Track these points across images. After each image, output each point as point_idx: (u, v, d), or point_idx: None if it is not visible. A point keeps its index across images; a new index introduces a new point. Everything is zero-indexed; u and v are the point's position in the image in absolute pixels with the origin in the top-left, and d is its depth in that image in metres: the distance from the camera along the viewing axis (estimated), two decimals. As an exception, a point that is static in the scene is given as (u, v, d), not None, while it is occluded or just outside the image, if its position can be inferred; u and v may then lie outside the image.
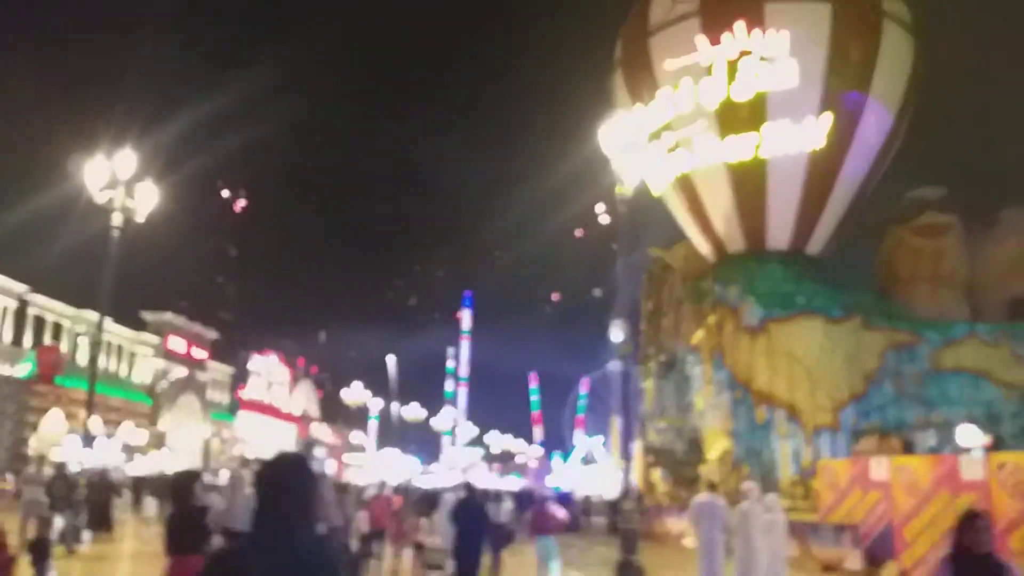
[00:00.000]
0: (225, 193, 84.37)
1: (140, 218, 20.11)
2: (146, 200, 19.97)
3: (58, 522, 15.60)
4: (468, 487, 15.28)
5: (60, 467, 18.59)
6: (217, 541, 7.53)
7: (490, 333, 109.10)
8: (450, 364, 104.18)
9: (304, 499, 2.81)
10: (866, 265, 25.72)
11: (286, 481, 2.81)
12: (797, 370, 23.31)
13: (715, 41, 23.81)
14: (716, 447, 25.95)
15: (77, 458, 39.30)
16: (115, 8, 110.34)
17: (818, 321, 23.56)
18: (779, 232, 24.78)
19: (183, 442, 58.41)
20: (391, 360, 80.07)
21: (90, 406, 19.39)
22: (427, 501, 25.13)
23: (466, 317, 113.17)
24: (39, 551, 9.72)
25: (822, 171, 23.96)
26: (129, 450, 51.34)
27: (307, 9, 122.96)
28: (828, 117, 23.65)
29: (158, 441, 54.68)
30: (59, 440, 47.09)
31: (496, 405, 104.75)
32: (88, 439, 46.37)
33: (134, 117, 47.95)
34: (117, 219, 19.30)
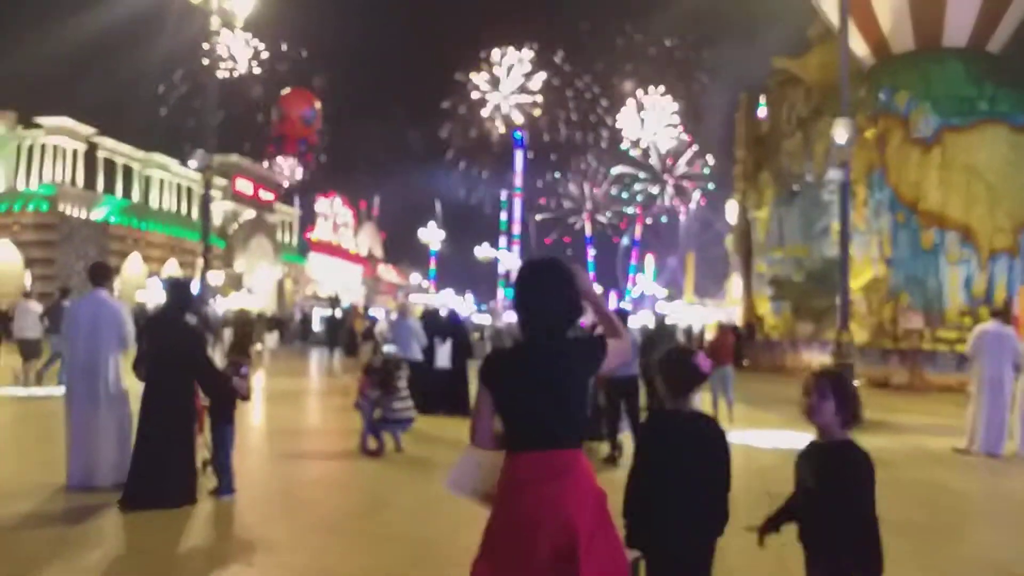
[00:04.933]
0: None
1: (239, 23, 17.29)
2: (244, 2, 16.98)
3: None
4: (659, 318, 13.01)
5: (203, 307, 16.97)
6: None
7: (541, 174, 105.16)
8: (503, 198, 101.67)
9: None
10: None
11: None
12: (976, 187, 20.11)
13: None
14: (861, 276, 23.26)
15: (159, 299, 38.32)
16: None
17: (1003, 129, 20.09)
18: (959, 25, 20.77)
19: (258, 283, 57.64)
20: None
21: (206, 254, 17.34)
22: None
23: (518, 157, 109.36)
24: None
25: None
26: (210, 291, 50.54)
27: None
28: None
29: (235, 282, 53.75)
30: (142, 283, 46.25)
31: (547, 245, 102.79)
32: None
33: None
34: (215, 22, 16.45)
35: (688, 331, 28.35)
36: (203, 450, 6.99)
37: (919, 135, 20.50)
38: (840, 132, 13.03)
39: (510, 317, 22.34)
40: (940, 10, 20.65)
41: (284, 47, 75.68)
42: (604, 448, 9.30)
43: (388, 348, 13.32)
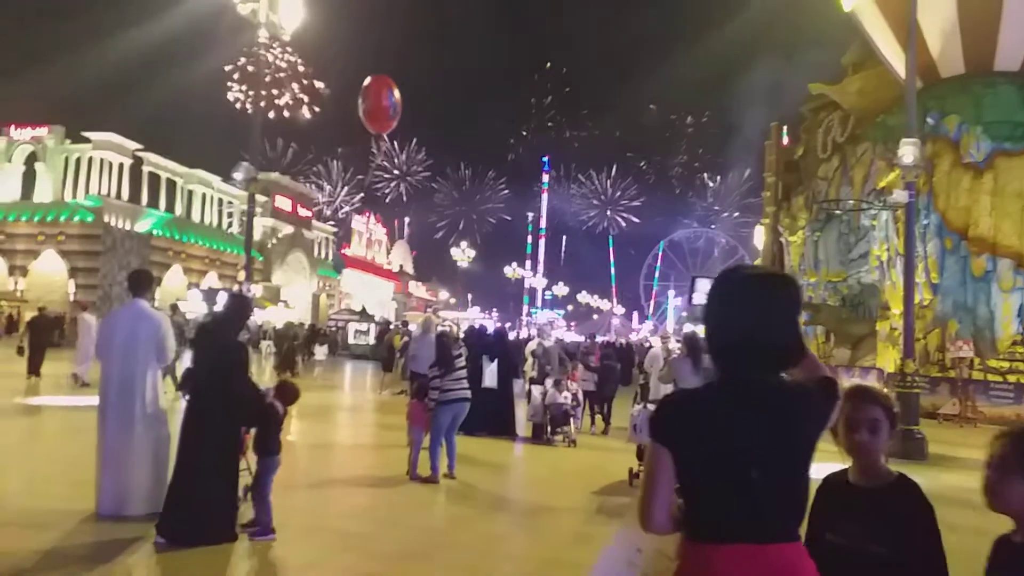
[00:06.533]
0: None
1: (286, 36, 16.64)
2: (292, 15, 16.36)
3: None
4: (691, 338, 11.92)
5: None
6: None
7: (568, 196, 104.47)
8: (530, 240, 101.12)
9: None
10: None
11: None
12: (1030, 213, 18.93)
13: None
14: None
15: (199, 311, 37.94)
16: None
17: (1058, 155, 18.92)
18: (1012, 49, 19.66)
19: (295, 296, 57.21)
20: None
21: (248, 268, 16.56)
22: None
23: (544, 180, 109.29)
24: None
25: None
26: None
27: None
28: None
29: (274, 296, 53.32)
30: (183, 294, 45.85)
31: (572, 267, 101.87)
32: (211, 294, 45.08)
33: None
34: (263, 34, 15.85)
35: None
36: (245, 475, 6.14)
37: (970, 160, 19.38)
38: (907, 152, 12.02)
39: (557, 334, 21.35)
40: (992, 34, 19.59)
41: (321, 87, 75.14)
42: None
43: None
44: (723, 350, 1.97)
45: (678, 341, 14.58)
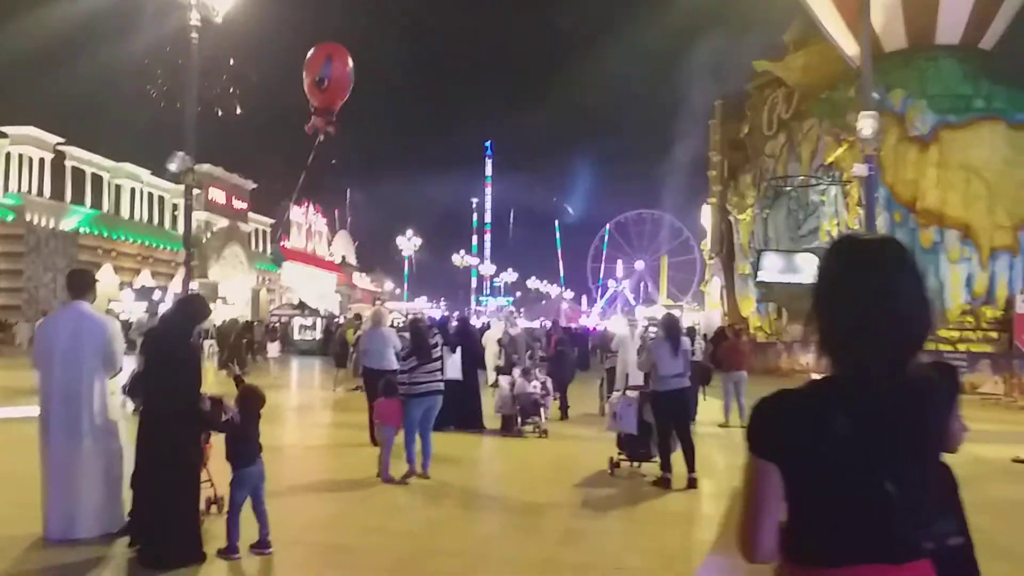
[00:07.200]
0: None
1: (218, 18, 15.81)
2: (222, -3, 15.58)
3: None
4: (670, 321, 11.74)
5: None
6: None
7: (513, 181, 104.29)
8: (475, 240, 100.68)
9: None
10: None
11: None
12: (975, 184, 19.39)
13: None
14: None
15: (134, 311, 36.44)
16: None
17: (1000, 126, 19.41)
18: (952, 22, 20.07)
19: (233, 292, 55.58)
20: None
21: (188, 263, 15.84)
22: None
23: (488, 166, 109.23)
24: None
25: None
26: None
27: None
28: None
29: (212, 292, 51.63)
30: (116, 295, 44.07)
31: (519, 253, 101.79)
32: (145, 292, 43.31)
33: None
34: (194, 17, 15.04)
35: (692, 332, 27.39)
36: (207, 487, 5.68)
37: (916, 133, 19.73)
38: (866, 125, 12.03)
39: (524, 323, 20.95)
40: (933, 7, 19.95)
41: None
42: (654, 470, 8.09)
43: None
44: (846, 338, 1.63)
45: (651, 325, 14.42)
